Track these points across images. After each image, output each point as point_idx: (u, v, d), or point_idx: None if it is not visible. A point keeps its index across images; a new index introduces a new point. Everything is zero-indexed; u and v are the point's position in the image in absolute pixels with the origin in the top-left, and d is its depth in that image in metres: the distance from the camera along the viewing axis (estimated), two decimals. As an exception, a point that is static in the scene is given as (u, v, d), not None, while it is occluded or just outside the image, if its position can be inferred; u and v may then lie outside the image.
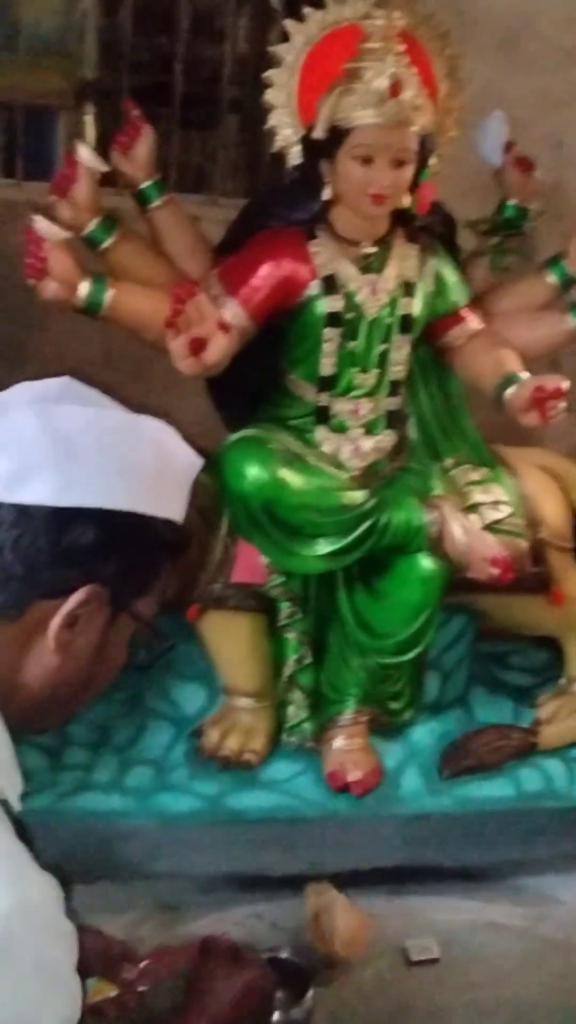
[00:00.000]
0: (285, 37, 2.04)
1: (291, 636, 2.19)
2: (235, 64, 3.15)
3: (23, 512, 0.97)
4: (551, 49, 2.83)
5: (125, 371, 2.73)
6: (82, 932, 0.99)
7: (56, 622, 0.98)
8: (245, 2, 3.41)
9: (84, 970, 1.19)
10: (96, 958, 1.32)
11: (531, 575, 2.24)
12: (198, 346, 1.83)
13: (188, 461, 1.09)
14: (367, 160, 1.93)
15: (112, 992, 1.34)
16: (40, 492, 0.96)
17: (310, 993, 1.81)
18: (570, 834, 2.25)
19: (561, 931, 2.13)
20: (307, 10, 2.01)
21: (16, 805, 0.98)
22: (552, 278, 2.21)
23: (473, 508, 2.18)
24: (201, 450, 2.03)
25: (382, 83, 1.89)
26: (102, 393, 1.07)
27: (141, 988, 1.32)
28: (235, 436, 2.02)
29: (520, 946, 2.09)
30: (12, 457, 0.97)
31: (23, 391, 1.05)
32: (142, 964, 1.34)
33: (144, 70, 3.36)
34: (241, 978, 1.25)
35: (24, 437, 0.97)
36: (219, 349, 1.84)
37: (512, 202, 2.25)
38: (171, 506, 1.05)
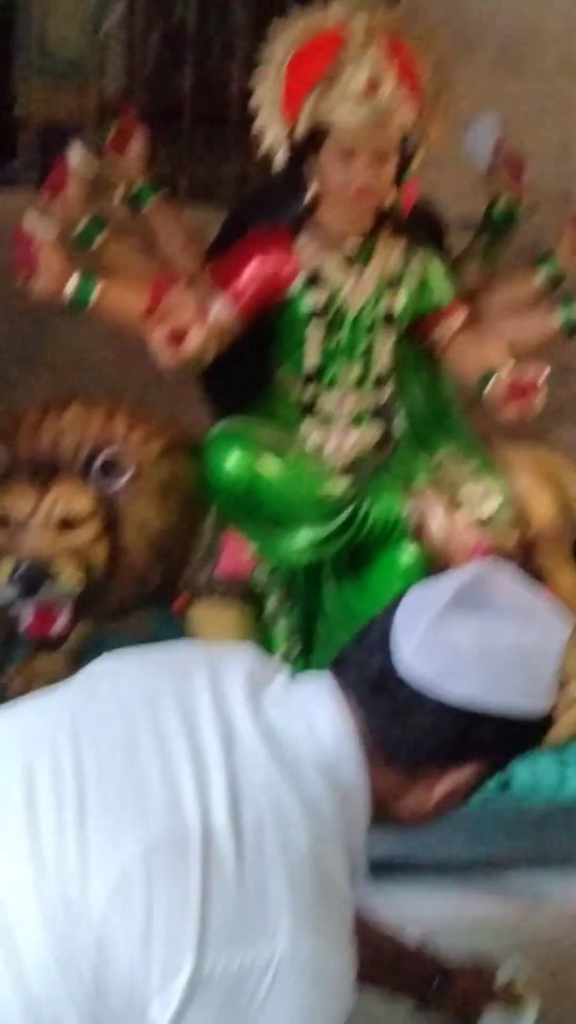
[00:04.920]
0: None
1: (279, 628, 2.21)
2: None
3: (442, 704, 1.13)
4: (554, 57, 2.87)
5: (137, 378, 2.79)
6: None
7: (443, 788, 1.18)
8: (263, 24, 3.48)
9: None
10: None
11: (521, 570, 2.24)
12: (177, 337, 1.88)
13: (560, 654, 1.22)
14: (348, 157, 1.96)
15: None
16: (463, 692, 1.13)
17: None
18: (558, 830, 2.22)
19: (548, 928, 2.11)
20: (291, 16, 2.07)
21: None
22: (542, 274, 2.22)
23: (462, 502, 2.19)
24: (199, 446, 2.09)
25: (359, 82, 1.93)
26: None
27: None
28: (219, 425, 2.06)
29: (506, 941, 2.07)
30: (445, 657, 1.13)
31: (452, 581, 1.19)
32: None
33: (165, 90, 3.46)
34: None
35: (461, 645, 1.13)
36: (197, 340, 1.88)
37: (502, 201, 2.27)
38: (552, 703, 1.21)
